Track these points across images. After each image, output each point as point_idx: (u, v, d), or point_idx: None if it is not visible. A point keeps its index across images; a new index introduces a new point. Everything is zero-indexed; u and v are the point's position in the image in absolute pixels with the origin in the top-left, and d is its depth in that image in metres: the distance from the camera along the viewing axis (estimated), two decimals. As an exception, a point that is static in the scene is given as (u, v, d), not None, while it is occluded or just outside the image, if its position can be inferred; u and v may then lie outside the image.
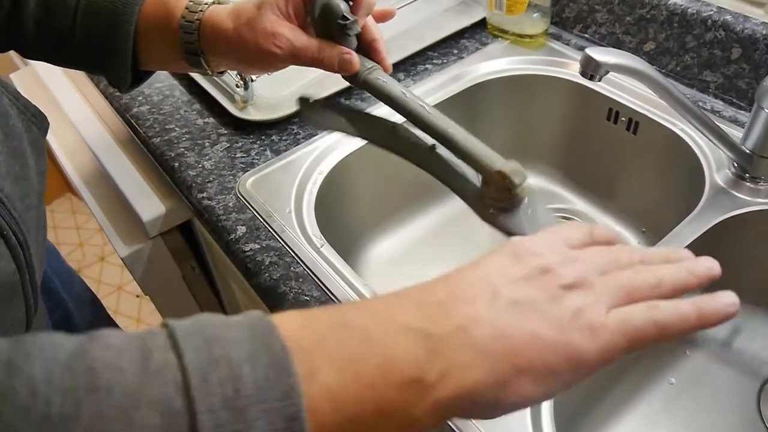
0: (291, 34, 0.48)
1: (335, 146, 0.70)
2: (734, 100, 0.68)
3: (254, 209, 0.63)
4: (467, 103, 0.78)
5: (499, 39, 0.83)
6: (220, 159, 0.69)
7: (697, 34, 0.68)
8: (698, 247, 0.56)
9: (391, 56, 0.54)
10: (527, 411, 0.44)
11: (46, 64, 0.58)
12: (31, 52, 0.56)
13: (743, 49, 0.65)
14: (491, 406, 0.28)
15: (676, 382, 0.62)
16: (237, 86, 0.73)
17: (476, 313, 0.28)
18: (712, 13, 0.66)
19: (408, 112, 0.45)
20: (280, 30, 0.48)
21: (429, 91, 0.76)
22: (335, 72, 0.49)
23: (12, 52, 0.57)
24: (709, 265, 0.32)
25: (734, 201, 0.58)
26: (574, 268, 0.30)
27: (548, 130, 0.82)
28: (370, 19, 0.51)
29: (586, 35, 0.80)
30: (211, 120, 0.75)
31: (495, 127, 0.82)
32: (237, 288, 0.77)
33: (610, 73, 0.52)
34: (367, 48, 0.51)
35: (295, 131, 0.72)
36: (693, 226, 0.56)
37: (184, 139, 0.73)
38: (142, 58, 0.53)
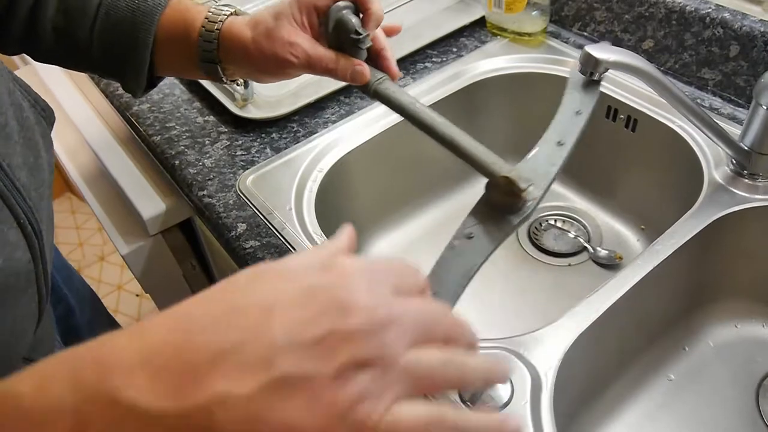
0: (307, 44, 0.49)
1: (335, 144, 0.70)
2: (732, 98, 0.68)
3: (255, 207, 0.63)
4: (466, 101, 0.78)
5: (498, 37, 0.83)
6: (220, 157, 0.70)
7: (695, 32, 0.68)
8: (697, 244, 0.56)
9: (392, 55, 0.54)
10: (527, 407, 0.44)
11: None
12: (46, 57, 0.56)
13: (741, 47, 0.65)
14: None
15: (675, 378, 0.62)
16: (237, 85, 0.73)
17: (229, 391, 0.23)
18: (710, 10, 0.66)
19: (417, 121, 0.48)
20: (297, 40, 0.49)
21: (428, 90, 0.76)
22: (347, 82, 0.51)
23: (12, 52, 0.57)
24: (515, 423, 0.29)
25: (732, 198, 0.59)
26: (381, 338, 0.26)
27: (547, 128, 0.82)
28: (377, 29, 0.52)
29: (585, 33, 0.81)
30: (212, 118, 0.75)
31: (494, 124, 0.83)
32: (237, 286, 0.77)
33: (609, 70, 0.53)
34: (375, 57, 0.52)
35: (295, 129, 0.73)
36: (691, 223, 0.57)
37: (184, 137, 0.73)
38: (158, 66, 0.54)
